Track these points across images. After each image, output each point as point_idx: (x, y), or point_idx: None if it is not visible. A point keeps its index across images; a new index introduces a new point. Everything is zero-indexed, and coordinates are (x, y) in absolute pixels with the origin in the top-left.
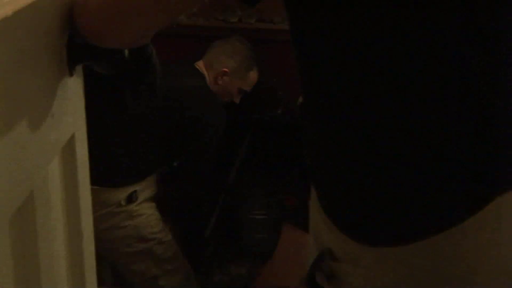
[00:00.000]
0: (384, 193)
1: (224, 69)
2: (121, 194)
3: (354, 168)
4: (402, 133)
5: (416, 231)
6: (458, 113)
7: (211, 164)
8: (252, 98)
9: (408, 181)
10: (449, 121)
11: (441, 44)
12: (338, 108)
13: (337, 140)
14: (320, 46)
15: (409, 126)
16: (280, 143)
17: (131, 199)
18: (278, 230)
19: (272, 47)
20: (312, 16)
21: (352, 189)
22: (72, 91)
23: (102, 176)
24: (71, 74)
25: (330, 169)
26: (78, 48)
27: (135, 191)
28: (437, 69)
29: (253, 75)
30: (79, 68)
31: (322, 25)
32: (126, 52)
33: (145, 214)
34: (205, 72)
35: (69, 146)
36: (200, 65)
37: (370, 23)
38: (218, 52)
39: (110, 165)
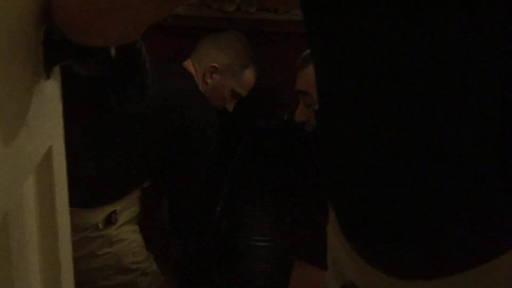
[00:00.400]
0: (423, 220)
1: (213, 64)
2: (98, 215)
3: (386, 185)
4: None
5: (456, 264)
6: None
7: (205, 178)
8: (252, 101)
9: (446, 210)
10: None
11: (442, 44)
12: (362, 115)
13: (362, 151)
14: (337, 48)
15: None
16: (287, 156)
17: (109, 221)
18: (286, 264)
19: (276, 41)
20: (327, 16)
21: (383, 212)
22: (49, 96)
23: (74, 195)
24: (48, 76)
25: (353, 187)
26: (56, 46)
27: (114, 211)
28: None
29: (250, 75)
30: (56, 69)
31: (337, 26)
32: (113, 49)
33: (126, 239)
34: (193, 71)
35: (46, 161)
36: (187, 64)
37: (380, 27)
38: (208, 46)
39: (84, 181)
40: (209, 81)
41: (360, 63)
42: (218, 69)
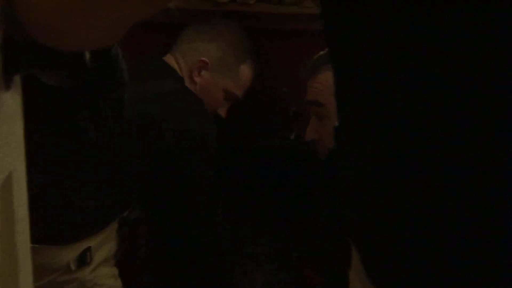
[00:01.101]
0: (462, 268)
1: (201, 58)
2: (69, 253)
3: (423, 226)
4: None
5: None
6: None
7: (204, 204)
8: (250, 116)
9: (485, 261)
10: None
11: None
12: (397, 137)
13: (399, 180)
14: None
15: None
16: (295, 182)
17: (83, 260)
18: None
19: (281, 40)
20: (356, 7)
21: (420, 256)
22: (9, 111)
23: (41, 230)
24: (7, 87)
25: (385, 225)
26: (18, 51)
27: (89, 248)
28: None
29: (247, 72)
30: (17, 79)
31: (366, 19)
32: (88, 55)
33: (103, 285)
34: (177, 69)
35: (5, 189)
36: (169, 60)
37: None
38: (194, 37)
39: (52, 211)
40: (197, 80)
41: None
42: (208, 65)
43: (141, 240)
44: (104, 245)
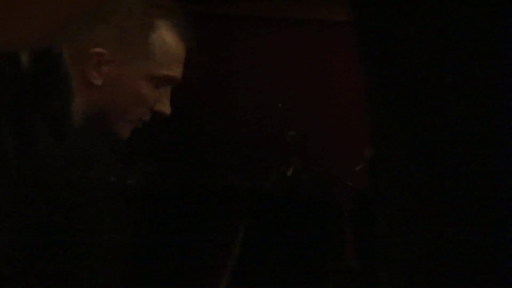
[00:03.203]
0: None
1: (94, 50)
2: None
3: None
4: None
5: None
6: None
7: None
8: (231, 143)
9: None
10: None
11: None
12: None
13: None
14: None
15: None
16: (295, 235)
17: None
18: None
19: (274, 37)
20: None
21: None
22: None
23: None
24: None
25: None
26: None
27: None
28: None
29: (166, 38)
30: None
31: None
32: (25, 56)
33: None
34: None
35: None
36: None
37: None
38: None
39: None
40: (99, 81)
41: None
42: (106, 56)
43: None
44: None
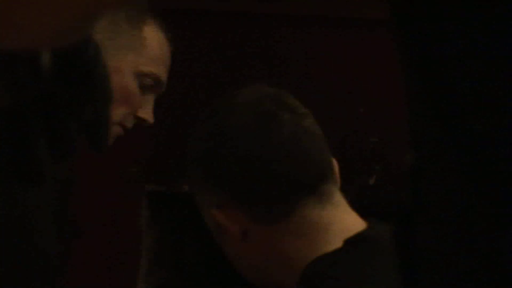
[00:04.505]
0: None
1: None
2: None
3: None
4: None
5: None
6: None
7: None
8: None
9: None
10: None
11: None
12: None
13: None
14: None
15: None
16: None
17: None
18: None
19: (354, 39)
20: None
21: None
22: None
23: None
24: None
25: None
26: None
27: None
28: None
29: (153, 36)
30: None
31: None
32: (46, 56)
33: None
34: None
35: None
36: None
37: None
38: None
39: None
40: None
41: None
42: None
43: None
44: None
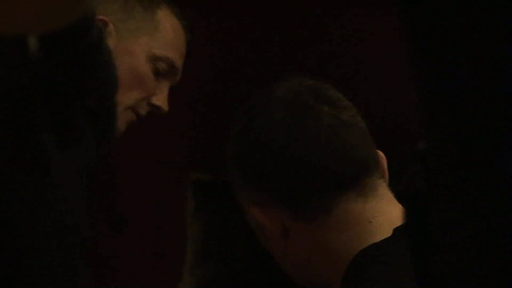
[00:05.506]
0: None
1: (98, 18)
2: None
3: None
4: None
5: None
6: None
7: None
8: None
9: None
10: None
11: None
12: None
13: None
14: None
15: None
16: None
17: None
18: None
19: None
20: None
21: None
22: None
23: None
24: None
25: None
26: None
27: None
28: None
29: (169, 21)
30: None
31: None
32: (32, 41)
33: None
34: None
35: None
36: None
37: None
38: None
39: None
40: None
41: None
42: (108, 24)
43: None
44: None
